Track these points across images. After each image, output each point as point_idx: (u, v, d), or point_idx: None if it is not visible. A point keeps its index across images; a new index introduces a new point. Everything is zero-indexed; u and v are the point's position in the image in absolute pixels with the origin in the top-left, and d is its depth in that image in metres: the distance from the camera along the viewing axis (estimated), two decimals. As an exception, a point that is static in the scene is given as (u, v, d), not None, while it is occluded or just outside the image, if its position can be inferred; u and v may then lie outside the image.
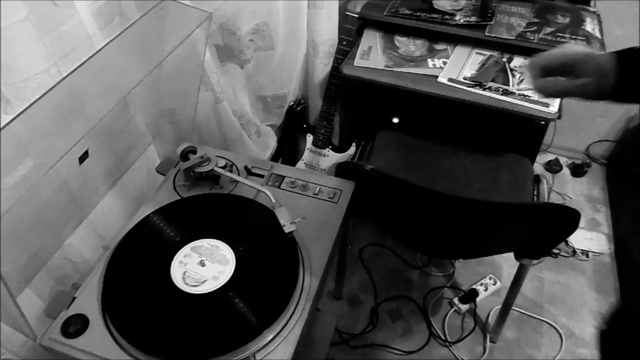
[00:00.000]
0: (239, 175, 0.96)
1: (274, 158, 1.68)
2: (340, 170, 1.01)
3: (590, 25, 1.42)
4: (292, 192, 0.96)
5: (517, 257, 1.22)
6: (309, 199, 0.94)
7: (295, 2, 1.33)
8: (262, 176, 0.99)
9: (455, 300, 1.59)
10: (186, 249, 0.80)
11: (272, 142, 1.58)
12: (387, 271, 1.70)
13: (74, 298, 0.77)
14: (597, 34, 1.39)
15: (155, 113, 1.07)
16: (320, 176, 0.99)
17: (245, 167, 1.00)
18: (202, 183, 0.95)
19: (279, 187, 0.96)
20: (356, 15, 1.45)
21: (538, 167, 2.05)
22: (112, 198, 1.00)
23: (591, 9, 1.49)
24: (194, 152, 0.95)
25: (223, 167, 0.95)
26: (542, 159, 2.08)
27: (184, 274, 0.77)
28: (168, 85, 0.99)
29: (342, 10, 1.47)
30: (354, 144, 1.65)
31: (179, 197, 0.92)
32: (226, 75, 1.32)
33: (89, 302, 0.76)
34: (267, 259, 0.81)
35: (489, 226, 1.00)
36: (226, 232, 0.82)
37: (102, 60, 0.74)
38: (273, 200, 0.85)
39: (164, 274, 0.76)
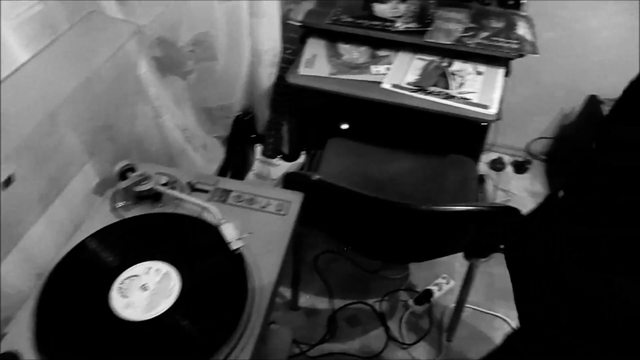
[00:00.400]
0: (182, 192, 0.93)
1: (223, 170, 1.64)
2: (288, 181, 1.00)
3: (522, 29, 1.48)
4: (239, 206, 0.93)
5: (466, 257, 1.25)
6: (257, 212, 0.92)
7: (235, 12, 1.31)
8: (207, 192, 0.96)
9: (411, 302, 1.61)
10: (126, 274, 0.76)
11: (219, 154, 1.54)
12: (343, 277, 1.70)
13: (4, 334, 0.71)
14: (530, 37, 1.46)
15: (90, 130, 1.02)
16: (268, 189, 0.97)
17: (189, 183, 0.97)
18: (143, 202, 0.91)
19: (225, 202, 0.94)
20: (299, 24, 1.45)
21: (483, 167, 2.12)
22: (46, 223, 0.94)
23: (523, 13, 1.56)
24: (134, 170, 0.91)
25: (165, 185, 0.92)
26: (486, 158, 2.15)
27: (124, 301, 0.72)
28: (103, 101, 0.94)
29: (285, 19, 1.46)
30: (304, 152, 1.64)
31: (117, 219, 0.87)
32: (167, 88, 1.28)
33: (20, 337, 0.71)
34: (213, 278, 0.79)
35: (436, 231, 1.01)
36: (169, 253, 0.79)
37: (25, 75, 0.69)
38: (218, 217, 0.82)
39: (102, 302, 0.72)
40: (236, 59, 1.40)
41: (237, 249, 0.79)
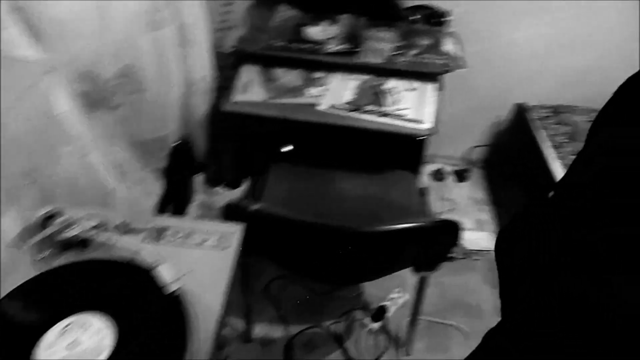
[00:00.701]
0: (112, 235, 0.87)
1: (164, 204, 1.58)
2: (227, 212, 0.97)
3: (449, 45, 1.54)
4: (176, 244, 0.89)
5: (415, 271, 1.26)
6: (195, 249, 0.88)
7: (163, 42, 1.28)
8: (141, 232, 0.91)
9: (367, 320, 1.60)
10: (52, 332, 0.70)
11: (156, 188, 1.49)
12: (296, 303, 1.66)
13: None
14: (457, 52, 1.52)
15: (9, 176, 0.94)
16: (206, 223, 0.94)
17: (122, 224, 0.92)
18: (71, 250, 0.85)
19: (160, 241, 0.89)
20: (231, 50, 1.43)
21: (426, 179, 2.17)
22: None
23: (449, 30, 1.63)
24: (58, 215, 0.85)
25: (95, 228, 0.86)
26: (428, 169, 2.20)
27: (51, 362, 0.66)
28: (18, 145, 0.87)
29: (217, 46, 1.44)
30: (247, 179, 1.62)
31: (39, 272, 0.81)
32: (95, 124, 1.22)
33: None
34: (149, 326, 0.74)
35: (380, 250, 1.01)
36: (99, 304, 0.74)
37: None
38: (152, 259, 0.78)
39: (25, 366, 0.66)
40: (167, 89, 1.37)
41: (175, 291, 0.75)
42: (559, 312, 0.52)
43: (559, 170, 1.58)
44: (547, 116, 1.85)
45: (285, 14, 1.54)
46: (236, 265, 0.88)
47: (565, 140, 1.72)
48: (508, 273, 0.67)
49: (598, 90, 2.09)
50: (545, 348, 0.55)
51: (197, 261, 0.85)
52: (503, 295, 0.69)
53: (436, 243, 1.01)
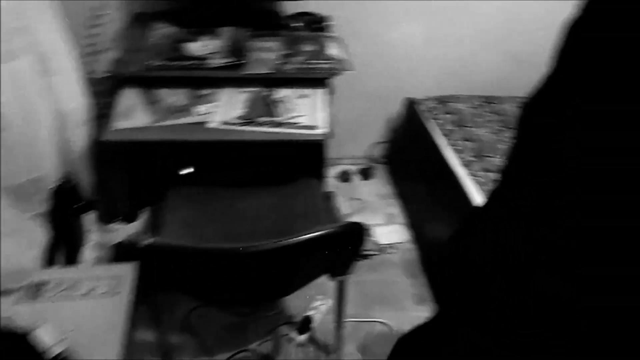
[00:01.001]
0: (-22, 301, 0.75)
1: (52, 251, 1.42)
2: (117, 253, 0.88)
3: (334, 49, 1.56)
4: (59, 298, 0.79)
5: (332, 277, 1.25)
6: (82, 300, 0.79)
7: (22, 73, 1.15)
8: (13, 291, 0.79)
9: (293, 334, 1.57)
10: None
11: (39, 236, 1.33)
12: (219, 329, 1.58)
13: None
14: (342, 55, 1.54)
15: None
16: (93, 268, 0.85)
17: (-11, 286, 0.79)
18: None
19: (38, 298, 0.79)
20: (105, 75, 1.33)
21: (333, 181, 2.19)
22: None
23: (331, 34, 1.65)
24: None
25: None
26: (333, 172, 2.23)
27: None
28: None
29: (89, 72, 1.33)
30: (144, 210, 1.50)
31: None
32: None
33: None
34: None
35: (291, 263, 0.98)
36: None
37: None
38: (27, 322, 0.68)
39: None
40: (34, 125, 1.23)
41: (59, 354, 0.66)
42: (535, 311, 0.52)
43: (451, 156, 1.66)
44: (435, 107, 1.95)
45: (161, 31, 1.46)
46: (134, 308, 0.80)
47: (454, 128, 1.82)
48: (469, 273, 0.66)
49: (473, 79, 2.26)
50: (524, 347, 0.55)
51: (86, 313, 0.76)
52: (464, 292, 0.68)
53: (344, 247, 1.00)
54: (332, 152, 2.16)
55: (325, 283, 1.71)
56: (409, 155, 2.11)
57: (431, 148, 1.76)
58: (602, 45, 0.41)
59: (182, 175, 1.53)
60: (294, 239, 0.84)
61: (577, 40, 0.45)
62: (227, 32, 1.51)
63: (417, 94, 2.03)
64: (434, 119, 1.87)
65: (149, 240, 0.84)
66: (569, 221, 0.47)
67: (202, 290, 1.16)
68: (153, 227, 1.35)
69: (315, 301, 1.67)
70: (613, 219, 0.42)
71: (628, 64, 0.39)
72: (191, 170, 1.55)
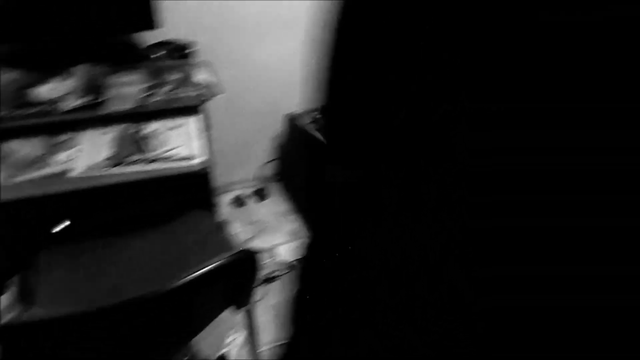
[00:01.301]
0: None
1: None
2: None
3: (202, 75, 1.52)
4: None
5: (237, 309, 1.19)
6: None
7: None
8: None
9: (210, 377, 1.47)
10: None
11: None
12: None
13: None
14: (212, 79, 1.50)
15: None
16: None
17: None
18: None
19: None
20: None
21: (227, 209, 2.12)
22: None
23: (197, 61, 1.60)
24: None
25: None
26: (226, 200, 2.16)
27: None
28: None
29: None
30: (11, 279, 1.32)
31: None
32: None
33: None
34: None
35: (187, 304, 0.92)
36: None
37: None
38: None
39: None
40: None
41: None
42: (443, 311, 0.50)
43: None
44: (318, 117, 1.99)
45: (2, 78, 1.31)
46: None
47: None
48: (367, 274, 0.63)
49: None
50: (432, 346, 0.53)
51: None
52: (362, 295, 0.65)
53: (238, 276, 0.96)
54: (221, 179, 2.10)
55: (233, 316, 1.65)
56: (300, 169, 2.12)
57: (319, 158, 1.78)
58: (483, 41, 0.42)
59: (56, 232, 1.37)
60: (181, 279, 0.78)
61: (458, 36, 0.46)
62: (80, 70, 1.39)
63: (297, 108, 2.06)
64: (319, 130, 1.90)
65: (6, 319, 0.73)
66: (461, 220, 0.47)
67: (93, 356, 1.03)
68: (23, 297, 1.19)
69: (228, 336, 1.59)
70: (499, 220, 0.43)
71: (509, 60, 0.40)
72: (67, 223, 1.39)
